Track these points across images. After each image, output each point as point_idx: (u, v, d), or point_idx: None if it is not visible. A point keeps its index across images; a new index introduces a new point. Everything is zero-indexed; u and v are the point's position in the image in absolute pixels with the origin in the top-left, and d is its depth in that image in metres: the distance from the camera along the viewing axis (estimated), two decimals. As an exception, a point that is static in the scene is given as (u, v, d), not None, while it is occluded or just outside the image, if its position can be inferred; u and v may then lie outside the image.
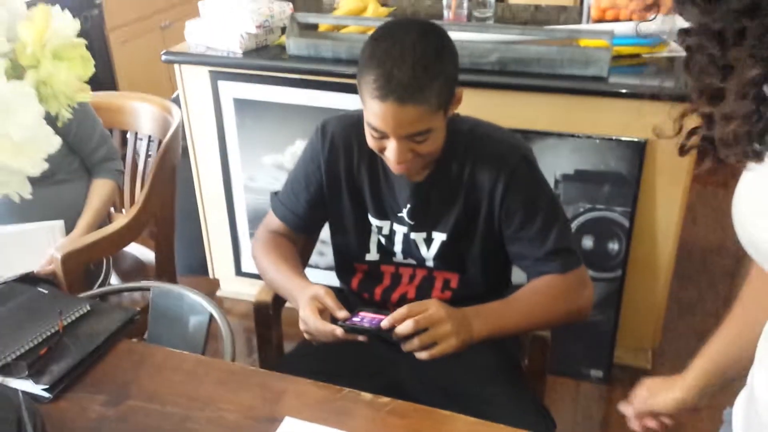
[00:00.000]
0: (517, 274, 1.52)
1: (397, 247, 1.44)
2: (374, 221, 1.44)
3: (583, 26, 2.27)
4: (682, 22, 0.70)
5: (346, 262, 1.52)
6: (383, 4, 2.53)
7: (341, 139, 1.41)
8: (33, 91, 0.69)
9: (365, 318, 1.20)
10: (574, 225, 2.05)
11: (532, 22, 2.49)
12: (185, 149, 2.39)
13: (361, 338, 1.20)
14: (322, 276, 2.41)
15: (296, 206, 1.47)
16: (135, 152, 2.11)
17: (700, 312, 2.66)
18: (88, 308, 1.34)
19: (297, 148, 2.39)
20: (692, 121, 0.78)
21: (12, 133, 0.67)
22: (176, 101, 2.32)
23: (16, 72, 0.74)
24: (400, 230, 1.42)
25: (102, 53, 3.45)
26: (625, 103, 1.92)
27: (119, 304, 1.78)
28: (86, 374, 1.21)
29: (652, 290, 2.18)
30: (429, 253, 1.42)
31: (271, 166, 2.45)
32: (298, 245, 1.52)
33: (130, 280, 2.01)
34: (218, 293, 2.74)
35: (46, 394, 1.16)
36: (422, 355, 1.19)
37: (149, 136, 2.07)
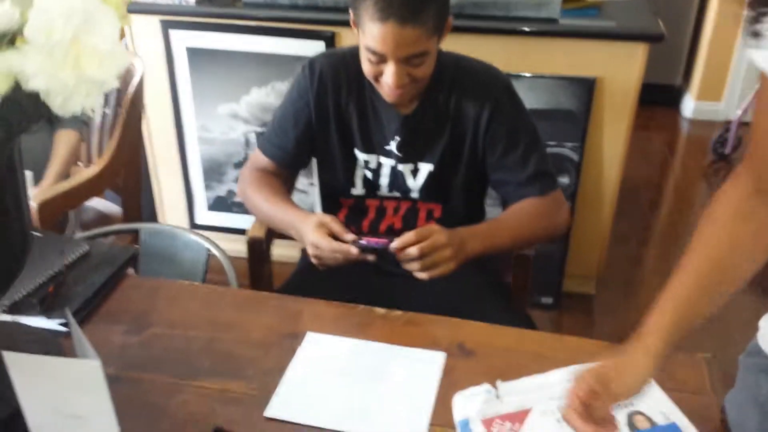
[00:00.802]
0: (490, 209, 1.65)
1: (383, 180, 1.51)
2: (361, 155, 1.50)
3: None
4: None
5: (332, 197, 1.58)
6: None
7: (329, 75, 1.45)
8: (109, 5, 0.72)
9: (370, 241, 1.28)
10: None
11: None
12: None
13: (370, 257, 1.28)
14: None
15: (285, 143, 1.51)
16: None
17: (633, 242, 2.86)
18: (87, 248, 1.35)
19: (252, 97, 2.40)
20: None
21: (98, 44, 0.69)
22: (126, 51, 2.28)
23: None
24: (387, 163, 1.49)
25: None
26: (576, 44, 2.04)
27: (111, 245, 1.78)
28: (99, 308, 1.23)
29: (598, 222, 2.34)
30: (415, 184, 1.49)
31: (225, 115, 2.44)
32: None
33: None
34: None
35: (62, 329, 1.16)
36: (422, 275, 1.28)
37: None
